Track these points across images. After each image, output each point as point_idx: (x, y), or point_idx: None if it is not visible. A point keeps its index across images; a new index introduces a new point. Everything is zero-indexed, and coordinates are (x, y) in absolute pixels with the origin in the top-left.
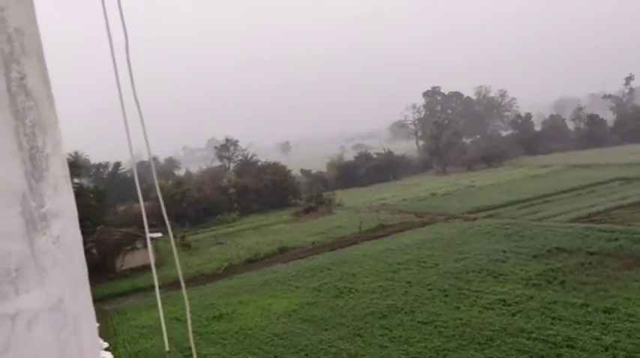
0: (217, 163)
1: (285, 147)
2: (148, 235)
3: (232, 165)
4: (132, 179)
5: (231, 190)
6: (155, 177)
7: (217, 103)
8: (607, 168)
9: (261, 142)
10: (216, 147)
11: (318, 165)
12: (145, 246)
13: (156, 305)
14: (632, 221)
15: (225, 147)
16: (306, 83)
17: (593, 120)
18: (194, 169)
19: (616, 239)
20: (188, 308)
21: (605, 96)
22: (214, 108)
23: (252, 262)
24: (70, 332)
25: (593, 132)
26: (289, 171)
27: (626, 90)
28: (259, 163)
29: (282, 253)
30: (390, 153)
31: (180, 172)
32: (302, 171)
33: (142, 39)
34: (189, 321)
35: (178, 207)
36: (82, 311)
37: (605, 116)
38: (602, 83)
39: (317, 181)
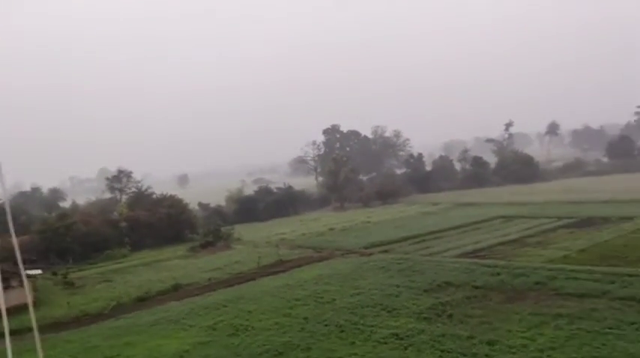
0: (108, 195)
1: (183, 179)
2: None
3: (125, 198)
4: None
5: (123, 224)
6: (8, 209)
7: (111, 133)
8: (490, 207)
9: (158, 174)
10: (107, 178)
11: (218, 199)
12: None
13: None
14: (512, 256)
15: (117, 178)
16: (209, 115)
17: (478, 161)
18: (82, 201)
19: (498, 273)
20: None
21: (488, 140)
22: (108, 137)
23: (143, 300)
24: None
25: (477, 173)
26: (186, 204)
27: (506, 135)
28: (154, 196)
29: (176, 290)
30: (290, 188)
31: (66, 204)
32: (200, 204)
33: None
34: None
35: (62, 242)
36: None
37: (488, 158)
38: (486, 128)
39: (215, 215)
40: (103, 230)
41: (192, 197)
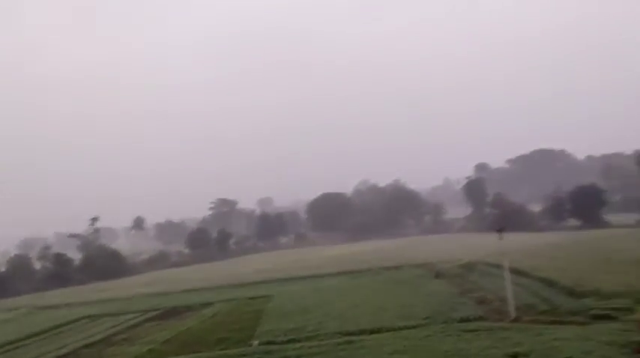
0: None
1: None
2: None
3: None
4: None
5: None
6: None
7: None
8: (74, 307)
9: None
10: None
11: None
12: None
13: None
14: None
15: None
16: None
17: (60, 259)
18: None
19: None
20: None
21: (71, 236)
22: None
23: None
24: None
25: (59, 272)
26: None
27: (92, 230)
28: None
29: None
30: None
31: None
32: None
33: None
34: None
35: None
36: None
37: (74, 255)
38: (69, 223)
39: None
40: None
41: None
